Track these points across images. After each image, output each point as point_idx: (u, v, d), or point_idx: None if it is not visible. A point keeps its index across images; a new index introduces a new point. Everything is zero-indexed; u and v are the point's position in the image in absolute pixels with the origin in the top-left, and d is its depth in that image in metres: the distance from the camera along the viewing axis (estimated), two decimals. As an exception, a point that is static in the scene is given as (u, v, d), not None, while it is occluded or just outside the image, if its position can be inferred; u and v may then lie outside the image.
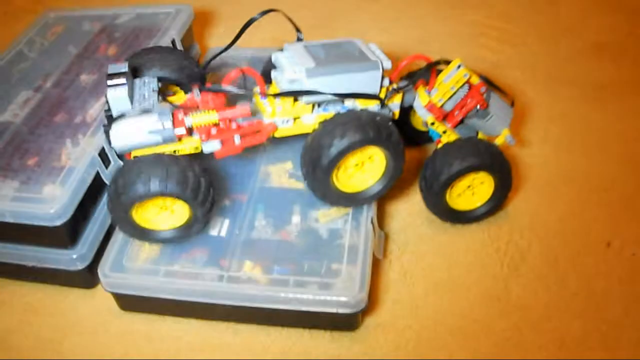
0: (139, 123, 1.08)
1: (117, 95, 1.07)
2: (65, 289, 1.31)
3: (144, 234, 1.18)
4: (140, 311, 1.24)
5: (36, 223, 1.18)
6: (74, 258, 1.23)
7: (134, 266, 1.19)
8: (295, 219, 1.24)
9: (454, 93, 1.24)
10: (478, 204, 1.28)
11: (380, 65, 1.15)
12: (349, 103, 1.19)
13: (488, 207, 1.28)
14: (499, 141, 1.27)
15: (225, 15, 2.11)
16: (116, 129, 1.08)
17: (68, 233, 1.21)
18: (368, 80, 1.16)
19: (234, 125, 1.14)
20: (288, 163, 1.32)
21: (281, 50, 1.18)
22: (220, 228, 1.25)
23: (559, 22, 1.95)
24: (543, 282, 1.24)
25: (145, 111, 1.08)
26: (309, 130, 1.17)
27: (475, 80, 1.23)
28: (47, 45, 1.61)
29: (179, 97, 1.17)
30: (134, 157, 1.13)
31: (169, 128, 1.10)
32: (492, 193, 1.26)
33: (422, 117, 1.26)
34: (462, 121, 1.28)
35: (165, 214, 1.17)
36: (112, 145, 1.09)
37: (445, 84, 1.23)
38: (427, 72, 1.26)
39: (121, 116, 1.08)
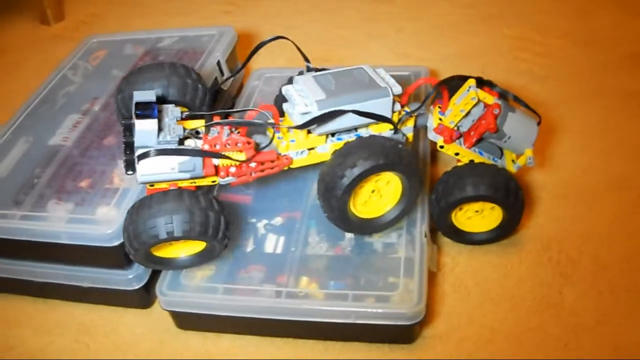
0: (171, 161, 1.08)
1: (145, 128, 1.06)
2: (120, 310, 1.32)
3: (163, 264, 1.19)
4: (197, 329, 1.25)
5: (92, 244, 1.19)
6: (130, 278, 1.24)
7: (192, 284, 1.20)
8: (349, 234, 1.24)
9: (467, 114, 1.22)
10: (484, 229, 1.28)
11: (390, 91, 1.15)
12: (362, 131, 1.19)
13: (493, 235, 1.29)
14: (520, 162, 1.26)
15: (268, 35, 2.12)
16: (146, 164, 1.08)
17: (124, 253, 1.20)
18: (379, 107, 1.15)
19: (252, 164, 1.13)
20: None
21: (291, 82, 1.19)
22: (276, 245, 1.25)
23: (594, 33, 1.95)
24: (595, 289, 1.24)
25: (178, 148, 1.09)
26: (325, 159, 1.17)
27: (490, 101, 1.20)
28: (91, 69, 1.63)
29: (196, 122, 1.17)
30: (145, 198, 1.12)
31: (199, 168, 1.10)
32: (500, 223, 1.26)
33: (431, 139, 1.24)
34: (481, 139, 1.26)
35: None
36: (138, 178, 1.08)
37: (457, 105, 1.22)
38: (440, 92, 1.23)
39: (148, 150, 1.07)
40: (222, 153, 1.10)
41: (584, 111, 1.65)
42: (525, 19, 2.05)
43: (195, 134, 1.12)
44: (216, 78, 1.46)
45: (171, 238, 1.07)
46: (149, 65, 1.21)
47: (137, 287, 1.25)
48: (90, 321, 1.30)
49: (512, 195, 1.22)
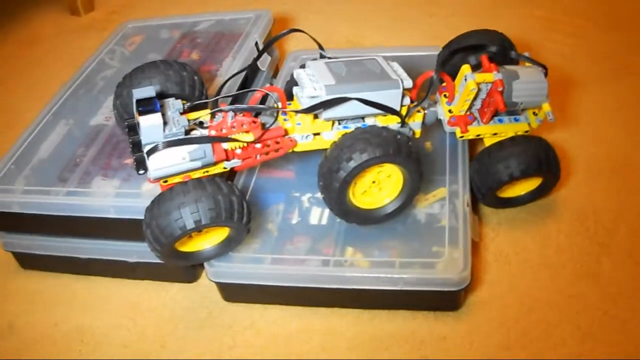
0: (181, 152, 1.07)
1: (150, 123, 1.05)
2: (166, 284, 1.34)
3: (187, 258, 1.18)
4: (243, 301, 1.27)
5: (140, 217, 1.19)
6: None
7: (239, 255, 1.22)
8: (391, 205, 1.24)
9: (474, 99, 1.23)
10: (522, 192, 1.33)
11: (400, 84, 1.14)
12: (370, 121, 1.19)
13: (533, 195, 1.34)
14: (540, 115, 1.27)
15: (302, 19, 2.17)
16: (156, 158, 1.06)
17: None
18: (388, 99, 1.14)
19: (258, 145, 1.14)
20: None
21: (304, 67, 1.19)
22: (320, 217, 1.28)
23: (620, 15, 1.98)
24: (633, 258, 1.26)
25: (186, 137, 1.08)
26: (328, 146, 1.16)
27: (491, 79, 1.20)
28: (127, 54, 1.66)
29: (199, 113, 1.16)
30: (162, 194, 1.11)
31: (210, 155, 1.09)
32: (538, 186, 1.32)
33: (448, 131, 1.27)
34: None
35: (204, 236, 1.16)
36: (151, 174, 1.07)
37: (461, 96, 1.22)
38: (441, 80, 1.24)
39: (156, 144, 1.06)
40: (230, 136, 1.10)
41: (617, 90, 1.67)
42: (555, 1, 2.07)
43: (199, 124, 1.12)
44: (255, 57, 1.47)
45: (199, 227, 1.06)
46: (143, 65, 1.21)
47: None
48: (136, 297, 1.33)
49: (553, 165, 1.27)
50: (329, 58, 1.23)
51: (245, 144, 1.13)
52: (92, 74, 1.59)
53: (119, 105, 1.21)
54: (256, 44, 1.55)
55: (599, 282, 1.22)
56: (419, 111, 1.22)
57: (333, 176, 1.12)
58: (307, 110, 1.13)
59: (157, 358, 1.20)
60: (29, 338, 1.28)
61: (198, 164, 1.10)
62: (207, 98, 1.23)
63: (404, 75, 1.16)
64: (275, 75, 1.67)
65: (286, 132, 1.17)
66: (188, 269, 1.29)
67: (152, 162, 1.07)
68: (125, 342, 1.24)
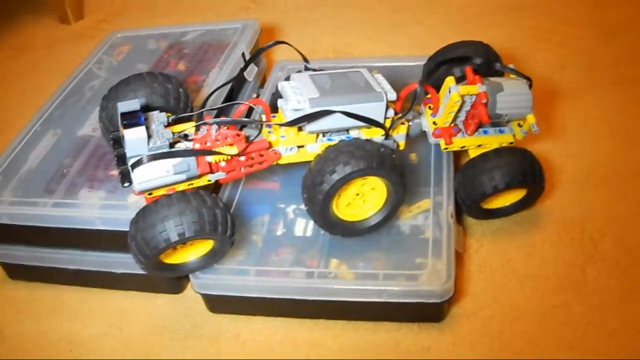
0: (166, 165, 1.07)
1: (135, 136, 1.05)
2: (152, 295, 1.34)
3: (171, 270, 1.18)
4: (229, 312, 1.27)
5: (126, 229, 1.19)
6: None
7: (224, 267, 1.22)
8: (376, 217, 1.25)
9: (458, 111, 1.23)
10: (507, 203, 1.33)
11: (384, 96, 1.13)
12: (354, 133, 1.19)
13: (517, 207, 1.34)
14: (525, 127, 1.28)
15: (289, 29, 2.17)
16: (141, 171, 1.07)
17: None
18: (372, 111, 1.14)
19: (242, 158, 1.14)
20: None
21: (288, 79, 1.18)
22: (305, 228, 1.28)
23: (612, 24, 1.98)
24: (619, 268, 1.27)
25: (170, 150, 1.08)
26: (312, 158, 1.16)
27: (475, 91, 1.19)
28: (115, 64, 1.66)
29: (184, 125, 1.16)
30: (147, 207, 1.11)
31: (194, 168, 1.09)
32: (523, 197, 1.32)
33: (433, 142, 1.26)
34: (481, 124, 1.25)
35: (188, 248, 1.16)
36: (135, 187, 1.08)
37: (445, 108, 1.22)
38: (424, 94, 1.24)
39: (140, 158, 1.06)
40: (214, 149, 1.10)
41: (604, 100, 1.67)
42: (544, 10, 2.08)
43: (184, 137, 1.12)
44: (241, 69, 1.47)
45: (183, 239, 1.07)
46: (128, 77, 1.20)
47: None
48: (123, 307, 1.33)
49: (537, 176, 1.27)
50: (314, 70, 1.23)
51: (229, 157, 1.13)
52: (80, 84, 1.60)
53: (104, 117, 1.21)
54: (243, 54, 1.55)
55: (584, 292, 1.22)
56: (403, 123, 1.22)
57: (317, 189, 1.12)
58: (290, 124, 1.13)
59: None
60: (17, 347, 1.28)
61: (182, 177, 1.10)
62: (192, 110, 1.23)
63: (388, 87, 1.17)
64: (262, 85, 1.66)
65: (270, 145, 1.17)
66: (174, 280, 1.30)
67: (137, 175, 1.07)
68: (112, 351, 1.25)
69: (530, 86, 1.26)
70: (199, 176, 1.12)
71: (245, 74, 1.54)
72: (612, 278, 1.24)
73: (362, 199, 1.20)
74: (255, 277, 1.19)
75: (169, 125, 1.14)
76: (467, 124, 1.26)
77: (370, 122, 1.15)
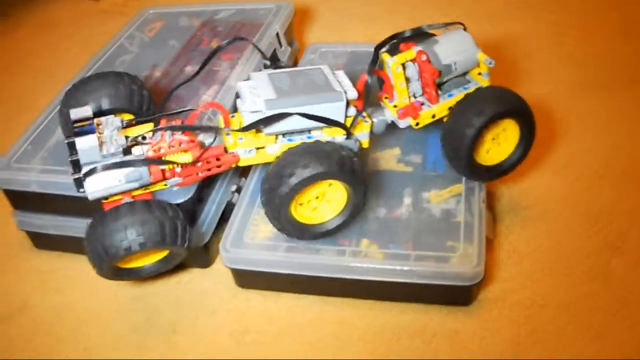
0: (117, 174, 1.08)
1: (86, 145, 1.07)
2: (181, 269, 1.35)
3: (129, 274, 1.18)
4: (257, 288, 1.28)
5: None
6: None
7: (254, 242, 1.22)
8: (407, 200, 1.27)
9: (408, 82, 1.21)
10: (508, 153, 1.26)
11: (343, 96, 1.12)
12: (316, 133, 1.17)
13: (519, 153, 1.26)
14: (482, 69, 1.24)
15: (322, 12, 2.17)
16: (93, 180, 1.07)
17: (188, 212, 1.23)
18: (331, 111, 1.12)
19: (199, 164, 1.13)
20: (396, 149, 1.35)
21: (248, 79, 1.17)
22: (336, 207, 1.26)
23: (633, 19, 1.99)
24: (644, 260, 1.24)
25: (121, 161, 1.08)
26: (273, 159, 1.15)
27: (412, 54, 1.19)
28: (147, 39, 1.67)
29: (141, 128, 1.15)
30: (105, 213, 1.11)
31: (146, 176, 1.09)
32: (520, 137, 1.25)
33: (404, 126, 1.23)
34: (440, 87, 1.24)
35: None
36: (88, 195, 1.07)
37: (393, 84, 1.20)
38: (378, 84, 1.22)
39: (94, 166, 1.07)
40: (166, 158, 1.10)
41: (624, 96, 1.68)
42: (566, 6, 2.08)
43: (142, 139, 1.11)
44: (275, 50, 1.47)
45: (143, 249, 1.07)
46: (93, 76, 1.21)
47: (199, 246, 1.28)
48: (149, 280, 1.33)
49: (522, 102, 1.22)
50: (275, 68, 1.23)
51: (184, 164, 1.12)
52: (111, 58, 1.60)
53: (64, 114, 1.19)
54: (277, 35, 1.56)
55: (610, 283, 1.23)
56: (366, 121, 1.20)
57: (275, 192, 1.10)
58: (245, 129, 1.12)
59: (169, 342, 1.22)
60: (40, 317, 1.29)
61: (135, 185, 1.09)
62: (154, 112, 1.22)
63: (349, 85, 1.16)
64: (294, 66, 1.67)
65: (226, 150, 1.15)
66: (203, 254, 1.31)
67: (89, 184, 1.07)
68: (136, 324, 1.25)
69: (465, 29, 1.25)
70: (153, 183, 1.12)
71: (279, 54, 1.54)
72: (637, 271, 1.24)
73: (322, 201, 1.19)
74: (285, 252, 1.19)
75: (128, 126, 1.14)
76: (426, 95, 1.23)
77: (330, 123, 1.12)
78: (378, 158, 1.36)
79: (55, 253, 1.40)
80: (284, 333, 1.19)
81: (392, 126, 1.24)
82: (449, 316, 1.19)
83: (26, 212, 1.37)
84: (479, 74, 1.26)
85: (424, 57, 1.18)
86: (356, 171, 1.11)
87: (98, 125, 1.09)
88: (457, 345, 1.15)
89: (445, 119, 1.23)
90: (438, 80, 1.22)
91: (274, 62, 1.28)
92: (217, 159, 1.13)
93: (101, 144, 1.07)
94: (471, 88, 1.23)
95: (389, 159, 1.35)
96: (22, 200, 1.33)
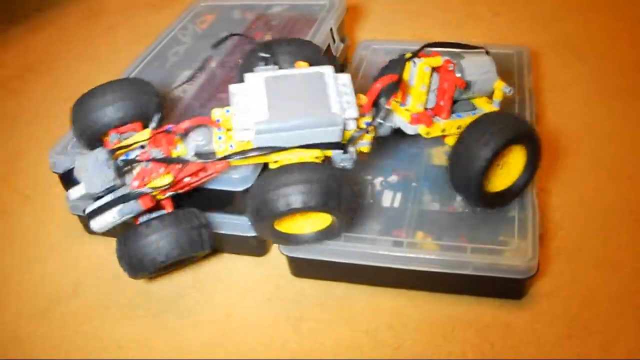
0: (112, 213, 1.13)
1: (76, 196, 1.15)
2: (235, 256, 1.37)
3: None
4: (312, 277, 1.30)
5: (220, 188, 1.24)
6: (249, 224, 1.24)
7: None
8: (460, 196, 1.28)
9: (428, 90, 1.19)
10: (515, 177, 1.23)
11: (339, 120, 1.09)
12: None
13: (526, 176, 1.23)
14: (497, 97, 1.24)
15: (372, 8, 2.19)
16: (95, 221, 1.13)
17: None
18: (327, 134, 1.11)
19: (186, 179, 1.16)
20: (447, 146, 1.37)
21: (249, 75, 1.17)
22: (392, 200, 1.30)
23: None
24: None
25: (115, 198, 1.13)
26: (265, 160, 1.16)
27: (439, 62, 1.17)
28: (200, 32, 1.69)
29: (137, 140, 1.18)
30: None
31: (138, 206, 1.13)
32: (526, 161, 1.22)
33: (413, 133, 1.22)
34: (454, 103, 1.23)
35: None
36: (95, 230, 1.14)
37: (413, 87, 1.19)
38: (391, 86, 1.18)
39: (90, 210, 1.13)
40: (146, 188, 1.13)
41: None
42: (618, 10, 2.09)
43: (141, 148, 1.17)
44: (329, 45, 1.49)
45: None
46: (98, 88, 1.22)
47: (254, 234, 1.29)
48: (204, 266, 1.36)
49: (529, 127, 1.19)
50: (274, 64, 1.21)
51: (167, 187, 1.15)
52: (164, 50, 1.63)
53: (76, 128, 1.23)
54: (331, 30, 1.57)
55: (662, 280, 1.21)
56: (367, 132, 1.18)
57: (261, 216, 1.11)
58: (226, 158, 1.14)
59: (224, 327, 1.24)
60: (93, 302, 1.31)
61: (130, 216, 1.13)
62: (162, 110, 1.25)
63: (350, 97, 1.13)
64: (345, 65, 1.70)
65: (203, 167, 1.17)
66: (258, 242, 1.33)
67: (94, 224, 1.13)
68: (191, 310, 1.28)
69: (487, 53, 1.24)
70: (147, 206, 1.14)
71: (332, 50, 1.56)
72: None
73: (305, 218, 1.19)
74: (343, 242, 1.21)
75: (118, 150, 1.16)
76: (439, 108, 1.23)
77: (324, 147, 1.12)
78: (431, 154, 1.38)
79: (109, 238, 1.40)
80: (340, 321, 1.21)
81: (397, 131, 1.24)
82: (501, 309, 1.21)
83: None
84: (488, 102, 1.26)
85: (451, 67, 1.17)
86: (350, 206, 1.12)
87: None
88: (511, 337, 1.17)
89: (452, 143, 1.20)
90: (455, 96, 1.21)
91: (269, 54, 1.24)
92: (204, 170, 1.15)
93: (90, 183, 1.12)
94: (478, 114, 1.22)
95: (441, 155, 1.37)
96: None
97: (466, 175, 1.16)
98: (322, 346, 1.18)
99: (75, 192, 1.13)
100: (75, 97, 1.23)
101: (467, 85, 1.20)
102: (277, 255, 1.30)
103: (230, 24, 1.68)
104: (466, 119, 1.22)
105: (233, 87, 1.13)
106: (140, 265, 1.13)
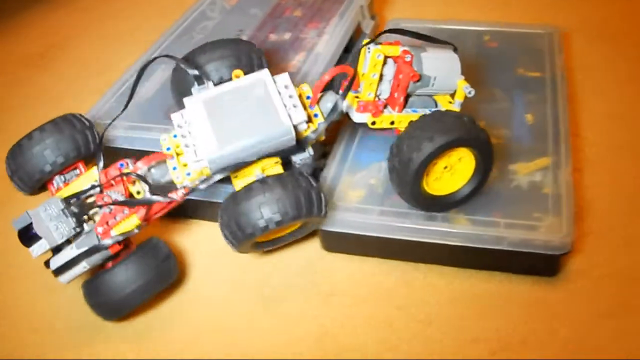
0: (82, 264, 1.12)
1: (39, 252, 1.10)
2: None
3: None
4: (343, 252, 1.29)
5: None
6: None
7: (345, 205, 1.24)
8: (493, 172, 1.26)
9: (380, 78, 1.17)
10: (460, 184, 1.20)
11: (289, 129, 1.09)
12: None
13: (472, 186, 1.20)
14: (459, 97, 1.19)
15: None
16: (63, 276, 1.12)
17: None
18: (280, 144, 1.11)
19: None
20: (481, 123, 1.35)
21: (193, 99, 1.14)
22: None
23: None
24: None
25: (82, 253, 1.11)
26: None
27: (397, 51, 1.14)
28: (228, 7, 1.69)
29: (87, 176, 1.17)
30: None
31: (106, 252, 1.13)
32: (475, 169, 1.18)
33: (358, 121, 1.20)
34: (408, 96, 1.20)
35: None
36: (64, 283, 1.13)
37: (365, 74, 1.15)
38: (343, 76, 1.16)
39: (60, 261, 1.12)
40: (115, 235, 1.12)
41: None
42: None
43: (92, 188, 1.14)
44: (359, 23, 1.48)
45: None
46: (35, 132, 1.17)
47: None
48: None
49: (472, 132, 1.14)
50: (207, 80, 1.18)
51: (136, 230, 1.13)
52: (192, 24, 1.63)
53: (15, 174, 1.18)
54: (361, 7, 1.56)
55: (695, 264, 1.20)
56: (316, 114, 1.18)
57: (239, 232, 1.11)
58: (190, 193, 1.13)
59: (260, 299, 1.24)
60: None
61: (99, 261, 1.13)
62: (102, 149, 1.19)
63: (294, 100, 1.12)
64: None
65: (171, 202, 1.15)
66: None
67: (62, 280, 1.12)
68: (222, 280, 1.29)
69: (456, 51, 1.19)
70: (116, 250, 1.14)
71: (363, 27, 1.55)
72: None
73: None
74: (377, 216, 1.21)
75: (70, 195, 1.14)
76: (392, 100, 1.19)
77: (281, 154, 1.13)
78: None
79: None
80: (372, 296, 1.21)
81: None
82: (534, 286, 1.20)
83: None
84: (450, 102, 1.23)
85: (408, 58, 1.14)
86: (316, 210, 1.13)
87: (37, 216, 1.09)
88: (545, 314, 1.16)
89: (398, 134, 1.17)
90: (410, 89, 1.18)
91: (197, 71, 1.17)
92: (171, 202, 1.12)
93: (50, 235, 1.08)
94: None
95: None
96: (106, 157, 1.32)
97: (402, 178, 1.14)
98: (353, 321, 1.18)
99: (39, 248, 1.09)
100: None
101: (422, 79, 1.16)
102: (308, 229, 1.27)
103: (260, 0, 1.65)
104: (420, 114, 1.18)
105: (175, 117, 1.12)
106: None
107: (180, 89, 1.20)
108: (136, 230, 1.12)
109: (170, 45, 1.55)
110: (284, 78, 1.12)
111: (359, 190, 1.25)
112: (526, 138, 1.30)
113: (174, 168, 1.12)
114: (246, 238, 1.09)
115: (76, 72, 1.91)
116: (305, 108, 1.13)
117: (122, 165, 1.15)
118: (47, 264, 1.11)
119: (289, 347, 1.14)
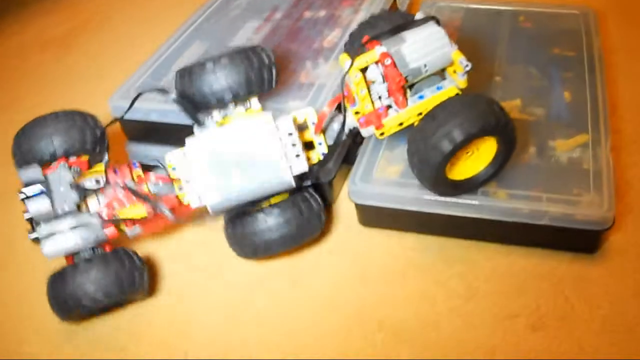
0: (73, 236, 1.09)
1: (39, 208, 1.08)
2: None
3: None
4: (380, 226, 1.28)
5: None
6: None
7: (383, 179, 1.23)
8: (532, 148, 1.27)
9: (372, 85, 1.14)
10: (479, 169, 1.18)
11: (289, 181, 1.12)
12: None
13: (492, 170, 1.18)
14: (458, 69, 1.13)
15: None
16: (50, 243, 1.08)
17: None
18: (280, 188, 1.14)
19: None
20: (517, 100, 1.35)
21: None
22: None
23: None
24: None
25: (75, 222, 1.09)
26: None
27: (374, 58, 1.10)
28: (264, -15, 1.66)
29: (95, 170, 1.15)
30: None
31: (102, 235, 1.11)
32: (495, 154, 1.16)
33: (367, 135, 1.19)
34: (410, 88, 1.17)
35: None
36: (45, 255, 1.08)
37: (354, 92, 1.12)
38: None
39: (49, 231, 1.08)
40: (121, 212, 1.11)
41: None
42: None
43: (96, 183, 1.12)
44: (395, 1, 1.47)
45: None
46: (41, 119, 1.17)
47: (323, 182, 1.28)
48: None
49: (508, 121, 1.12)
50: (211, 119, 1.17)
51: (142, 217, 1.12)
52: (226, 2, 1.62)
53: (18, 155, 1.17)
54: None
55: None
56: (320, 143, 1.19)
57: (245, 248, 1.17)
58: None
59: (288, 277, 1.23)
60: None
61: (92, 244, 1.11)
62: (107, 150, 1.20)
63: (297, 148, 1.14)
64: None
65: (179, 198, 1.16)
66: (328, 191, 1.32)
67: (46, 247, 1.09)
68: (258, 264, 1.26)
69: (438, 23, 1.13)
70: (107, 239, 1.13)
71: (398, 3, 1.55)
72: None
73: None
74: (416, 189, 1.20)
75: (80, 175, 1.13)
76: (393, 99, 1.16)
77: (282, 192, 1.16)
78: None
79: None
80: (410, 272, 1.20)
81: None
82: (573, 262, 1.19)
83: (140, 144, 1.40)
84: (455, 71, 1.16)
85: (388, 61, 1.09)
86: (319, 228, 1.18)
87: (47, 182, 1.09)
88: (585, 291, 1.15)
89: (415, 124, 1.14)
90: (412, 80, 1.14)
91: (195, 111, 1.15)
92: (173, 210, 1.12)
93: (53, 202, 1.08)
94: (446, 88, 1.17)
95: (511, 109, 1.35)
96: (138, 131, 1.33)
97: (424, 166, 1.12)
98: (392, 297, 1.17)
99: (38, 204, 1.09)
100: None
101: (413, 72, 1.12)
102: (345, 204, 1.28)
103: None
104: (430, 99, 1.16)
105: (172, 158, 1.14)
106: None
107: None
108: (135, 231, 1.13)
109: (202, 23, 1.56)
110: (287, 124, 1.12)
111: (397, 165, 1.24)
112: (564, 115, 1.29)
113: (180, 188, 1.14)
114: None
115: (106, 53, 1.94)
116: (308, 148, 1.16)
117: (135, 164, 1.15)
118: (32, 233, 1.09)
119: (328, 324, 1.15)
